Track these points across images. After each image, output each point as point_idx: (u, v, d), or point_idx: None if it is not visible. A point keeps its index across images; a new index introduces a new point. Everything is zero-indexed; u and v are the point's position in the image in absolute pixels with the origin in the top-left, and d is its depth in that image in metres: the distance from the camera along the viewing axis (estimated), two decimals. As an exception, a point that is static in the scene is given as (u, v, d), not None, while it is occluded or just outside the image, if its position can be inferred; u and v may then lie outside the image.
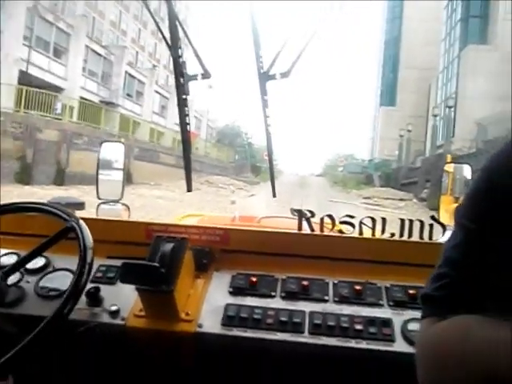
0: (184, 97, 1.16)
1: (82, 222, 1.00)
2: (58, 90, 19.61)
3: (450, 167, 1.69)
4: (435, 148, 26.66)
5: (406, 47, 44.67)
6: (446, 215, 1.27)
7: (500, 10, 28.69)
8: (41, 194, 10.54)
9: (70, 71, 21.74)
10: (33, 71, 18.62)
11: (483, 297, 0.50)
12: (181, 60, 1.15)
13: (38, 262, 1.16)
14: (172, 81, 40.50)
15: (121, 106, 25.82)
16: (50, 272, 1.17)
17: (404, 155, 32.13)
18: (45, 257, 1.18)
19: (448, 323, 0.51)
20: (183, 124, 1.17)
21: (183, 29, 1.13)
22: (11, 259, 1.13)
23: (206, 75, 1.15)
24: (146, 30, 38.11)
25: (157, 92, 31.70)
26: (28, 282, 1.14)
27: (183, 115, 1.16)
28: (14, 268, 1.02)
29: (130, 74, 27.78)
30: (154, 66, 36.22)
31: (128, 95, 27.81)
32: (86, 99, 20.72)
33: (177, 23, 1.13)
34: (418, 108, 41.74)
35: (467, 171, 1.49)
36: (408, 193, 21.48)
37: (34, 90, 15.82)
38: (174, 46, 1.13)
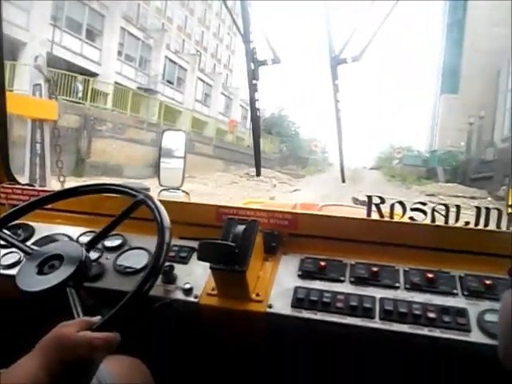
0: (254, 82, 1.22)
1: (158, 202, 1.08)
2: (93, 75, 19.43)
3: None
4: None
5: (470, 29, 41.99)
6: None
7: None
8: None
9: (105, 55, 21.51)
10: (64, 55, 18.39)
11: None
12: (251, 45, 1.20)
13: (116, 241, 1.30)
14: (217, 69, 41.47)
15: (160, 93, 25.72)
16: (127, 250, 1.29)
17: (474, 146, 29.12)
18: (122, 236, 1.31)
19: None
20: (253, 109, 1.24)
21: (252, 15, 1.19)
22: (89, 237, 1.24)
23: (275, 60, 1.21)
24: (192, 17, 38.89)
25: (200, 79, 31.75)
26: (107, 258, 1.27)
27: (253, 100, 1.23)
28: (91, 243, 1.11)
29: (170, 60, 27.73)
30: (198, 51, 36.60)
31: (168, 81, 27.68)
32: (121, 85, 20.48)
33: (248, 9, 1.18)
34: (483, 96, 39.38)
35: None
36: (480, 189, 19.21)
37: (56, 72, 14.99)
38: (245, 32, 1.19)
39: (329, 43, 1.17)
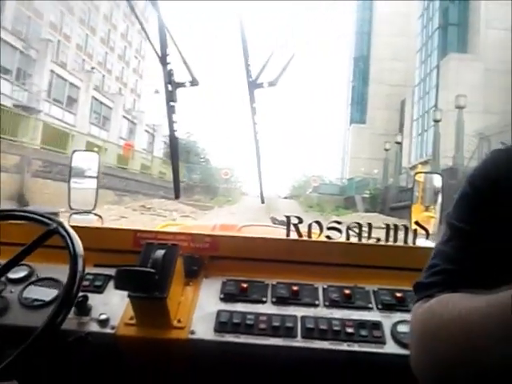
0: (172, 104, 1.28)
1: (70, 228, 1.08)
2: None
3: (420, 177, 1.90)
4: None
5: (375, 63, 46.53)
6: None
7: (482, 18, 29.36)
8: None
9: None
10: None
11: (469, 281, 0.65)
12: (168, 67, 1.27)
13: (21, 272, 1.25)
14: (124, 92, 40.70)
15: (44, 113, 23.50)
16: (34, 282, 1.25)
17: (393, 172, 28.50)
18: (28, 266, 1.27)
19: (435, 300, 0.66)
20: (171, 131, 1.29)
21: (171, 36, 1.27)
22: None
23: (194, 82, 1.29)
24: (94, 36, 38.28)
25: (96, 99, 30.16)
26: (11, 291, 1.22)
27: (171, 122, 1.28)
28: None
29: (58, 75, 25.94)
30: (93, 68, 35.14)
31: (56, 100, 25.68)
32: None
33: (165, 31, 1.25)
34: (390, 125, 43.24)
35: (437, 181, 1.68)
36: (400, 218, 18.98)
37: None
38: (162, 53, 1.25)
39: (246, 68, 1.28)
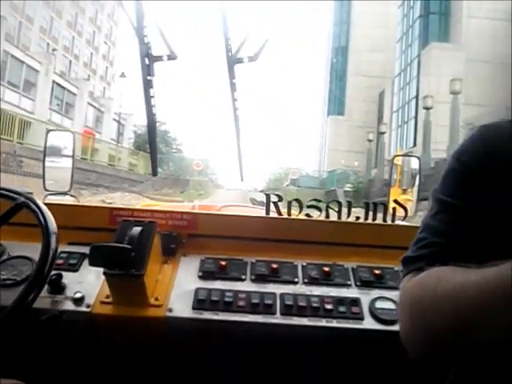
0: (149, 78, 1.28)
1: (42, 205, 1.07)
2: None
3: (398, 160, 1.96)
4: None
5: (353, 54, 46.90)
6: (393, 205, 1.48)
7: (464, 7, 29.17)
8: None
9: None
10: None
11: (458, 254, 0.67)
12: (145, 40, 1.27)
13: None
14: (93, 81, 39.83)
15: None
16: (6, 260, 1.25)
17: (377, 165, 27.51)
18: (0, 244, 1.26)
19: (425, 273, 0.69)
20: (149, 106, 1.29)
21: (144, 8, 1.26)
22: None
23: (171, 56, 1.29)
24: (60, 20, 37.30)
25: (58, 84, 28.44)
26: None
27: (149, 98, 1.29)
28: None
29: (13, 56, 23.51)
30: (54, 49, 33.40)
31: (11, 84, 23.34)
32: None
33: (141, 2, 1.25)
34: (368, 116, 43.70)
35: (415, 164, 1.74)
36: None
37: None
38: (138, 26, 1.25)
39: (225, 42, 1.29)
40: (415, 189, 1.65)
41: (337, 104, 49.28)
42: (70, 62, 36.72)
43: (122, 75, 29.34)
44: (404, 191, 1.77)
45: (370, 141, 29.53)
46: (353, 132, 42.99)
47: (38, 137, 17.27)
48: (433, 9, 32.44)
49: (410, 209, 1.49)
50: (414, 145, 28.49)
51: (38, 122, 20.09)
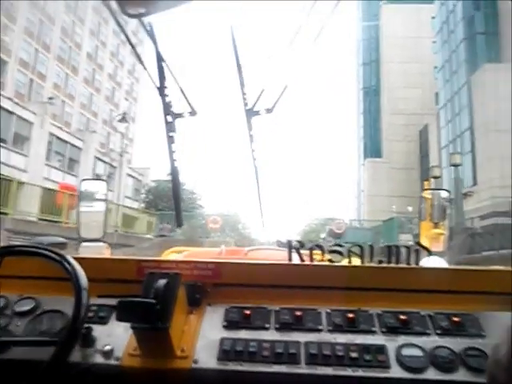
0: (171, 134, 1.47)
1: (73, 261, 1.22)
2: None
3: (427, 193, 2.06)
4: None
5: (386, 92, 47.15)
6: (427, 241, 1.58)
7: None
8: None
9: None
10: None
11: None
12: (167, 99, 1.47)
13: (27, 305, 1.39)
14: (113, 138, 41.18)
15: None
16: (40, 314, 1.38)
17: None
18: (33, 298, 1.41)
19: None
20: (172, 162, 1.47)
21: (169, 68, 1.46)
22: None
23: (192, 113, 1.48)
24: (76, 77, 39.35)
25: (56, 136, 27.56)
26: (17, 325, 1.35)
27: (171, 152, 1.46)
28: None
29: (4, 109, 22.32)
30: (51, 98, 32.44)
31: None
32: None
33: (163, 63, 1.45)
34: (409, 157, 43.23)
35: (445, 197, 1.84)
36: None
37: None
38: (161, 86, 1.45)
39: (242, 96, 1.48)
40: (446, 222, 1.74)
41: (373, 146, 49.10)
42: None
43: (123, 119, 27.81)
44: (435, 225, 1.86)
45: (435, 178, 25.29)
46: (393, 175, 42.74)
47: (29, 202, 16.45)
48: (479, 29, 31.43)
49: (442, 243, 1.57)
50: (474, 183, 26.99)
51: (31, 185, 18.02)
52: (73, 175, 29.39)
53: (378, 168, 45.63)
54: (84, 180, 1.92)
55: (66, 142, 29.21)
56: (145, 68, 1.47)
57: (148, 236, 23.30)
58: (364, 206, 48.29)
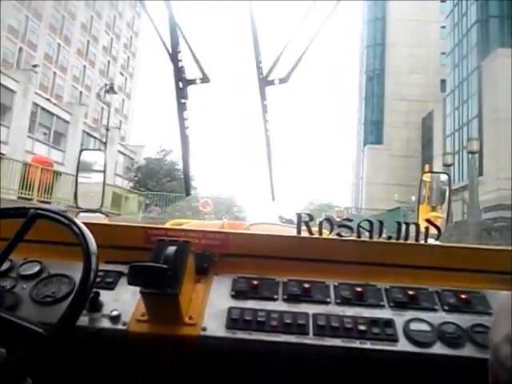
0: (183, 101, 1.48)
1: (82, 225, 1.23)
2: None
3: (427, 176, 2.10)
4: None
5: (390, 77, 46.63)
6: (424, 224, 1.61)
7: None
8: None
9: None
10: None
11: None
12: (180, 64, 1.48)
13: (33, 268, 1.42)
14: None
15: None
16: (45, 278, 1.41)
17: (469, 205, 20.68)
18: (39, 262, 1.44)
19: None
20: (183, 129, 1.48)
21: (182, 33, 1.47)
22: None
23: (204, 79, 1.49)
24: (70, 48, 38.79)
25: (39, 106, 26.57)
26: (23, 287, 1.38)
27: (182, 120, 1.48)
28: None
29: None
30: (35, 66, 30.50)
31: None
32: None
33: (176, 28, 1.46)
34: (410, 145, 43.08)
35: (444, 180, 1.87)
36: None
37: None
38: (173, 51, 1.46)
39: (256, 65, 1.49)
40: (445, 206, 1.79)
41: (374, 132, 48.90)
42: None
43: (110, 89, 27.53)
44: (433, 208, 1.91)
45: (447, 166, 24.04)
46: (394, 162, 42.70)
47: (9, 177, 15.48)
48: (493, 12, 30.55)
49: (440, 226, 1.62)
50: (480, 173, 25.53)
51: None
52: (59, 149, 28.61)
53: (379, 155, 45.31)
54: (83, 150, 1.95)
55: (52, 113, 28.08)
56: (157, 31, 1.48)
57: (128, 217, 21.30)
58: (362, 194, 48.17)
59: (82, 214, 1.80)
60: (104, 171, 1.92)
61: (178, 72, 1.48)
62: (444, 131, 35.39)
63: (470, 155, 21.18)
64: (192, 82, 1.50)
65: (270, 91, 1.56)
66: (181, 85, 1.48)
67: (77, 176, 1.87)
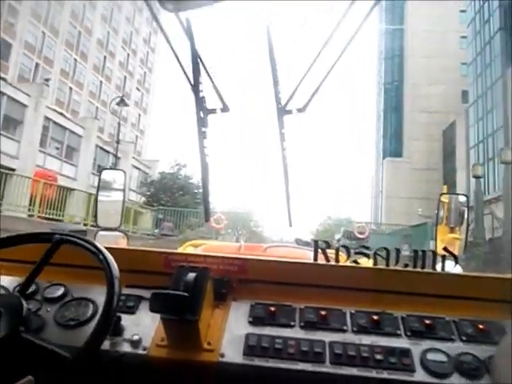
0: (203, 129, 1.55)
1: (106, 251, 1.29)
2: None
3: (445, 198, 2.12)
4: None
5: (409, 89, 46.40)
6: (442, 245, 1.64)
7: None
8: None
9: None
10: None
11: None
12: (201, 95, 1.55)
13: (57, 291, 1.49)
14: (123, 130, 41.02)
15: None
16: (69, 301, 1.48)
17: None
18: (63, 285, 1.50)
19: None
20: (203, 156, 1.54)
21: (204, 64, 1.53)
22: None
23: (224, 109, 1.56)
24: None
25: (54, 122, 26.79)
26: (47, 310, 1.44)
27: (203, 147, 1.54)
28: (23, 290, 1.28)
29: None
30: (47, 79, 30.88)
31: None
32: None
33: (198, 59, 1.53)
34: (431, 157, 42.61)
35: (463, 201, 1.90)
36: None
37: None
38: (195, 82, 1.53)
39: (275, 94, 1.55)
40: (464, 227, 1.80)
41: (393, 145, 48.48)
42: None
43: (121, 102, 26.80)
44: (452, 229, 1.93)
45: (476, 178, 20.95)
46: (414, 176, 42.33)
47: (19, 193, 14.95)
48: None
49: (458, 248, 1.64)
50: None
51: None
52: (71, 164, 28.92)
53: (398, 168, 44.91)
54: (103, 169, 2.03)
55: (64, 128, 28.28)
56: (180, 64, 1.54)
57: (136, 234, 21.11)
58: (382, 208, 47.73)
59: (101, 233, 1.88)
60: (124, 190, 2.01)
61: (200, 102, 1.53)
62: (467, 142, 34.68)
63: (503, 165, 20.23)
64: (212, 111, 1.56)
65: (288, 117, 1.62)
66: (201, 114, 1.54)
67: (97, 195, 1.97)
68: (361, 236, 24.16)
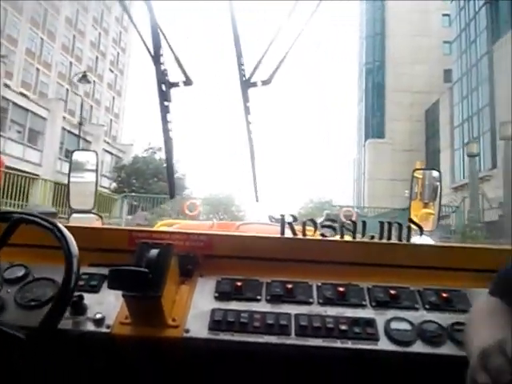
0: (166, 104, 1.55)
1: (64, 229, 1.29)
2: None
3: (418, 173, 2.18)
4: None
5: (391, 68, 46.35)
6: (416, 220, 1.69)
7: None
8: None
9: None
10: None
11: None
12: (162, 67, 1.55)
13: (17, 272, 1.49)
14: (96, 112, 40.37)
15: None
16: (30, 282, 1.48)
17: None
18: (24, 266, 1.50)
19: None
20: (166, 132, 1.55)
21: (165, 36, 1.52)
22: None
23: (187, 82, 1.56)
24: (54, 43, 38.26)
25: (16, 104, 25.37)
26: (8, 291, 1.44)
27: (166, 122, 1.55)
28: None
29: None
30: (2, 56, 27.54)
31: None
32: None
33: (158, 31, 1.52)
34: (414, 138, 42.81)
35: (436, 176, 1.96)
36: None
37: None
38: (155, 53, 1.53)
39: (238, 67, 1.56)
40: (437, 202, 1.86)
41: (375, 126, 48.49)
42: (67, 90, 36.12)
43: (83, 78, 25.55)
44: (425, 205, 1.98)
45: (472, 156, 20.36)
46: (397, 157, 42.48)
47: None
48: None
49: (432, 222, 1.69)
50: (494, 166, 25.24)
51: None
52: (35, 149, 27.50)
53: (381, 149, 44.70)
54: (75, 151, 2.03)
55: (26, 109, 26.55)
56: (139, 34, 1.53)
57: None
58: (365, 191, 47.80)
59: (74, 215, 1.88)
60: (96, 171, 2.01)
61: (161, 74, 1.53)
62: (451, 122, 34.23)
63: (503, 142, 18.91)
64: (175, 84, 1.55)
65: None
66: (164, 87, 1.54)
67: (69, 177, 1.95)
68: (345, 218, 22.61)
